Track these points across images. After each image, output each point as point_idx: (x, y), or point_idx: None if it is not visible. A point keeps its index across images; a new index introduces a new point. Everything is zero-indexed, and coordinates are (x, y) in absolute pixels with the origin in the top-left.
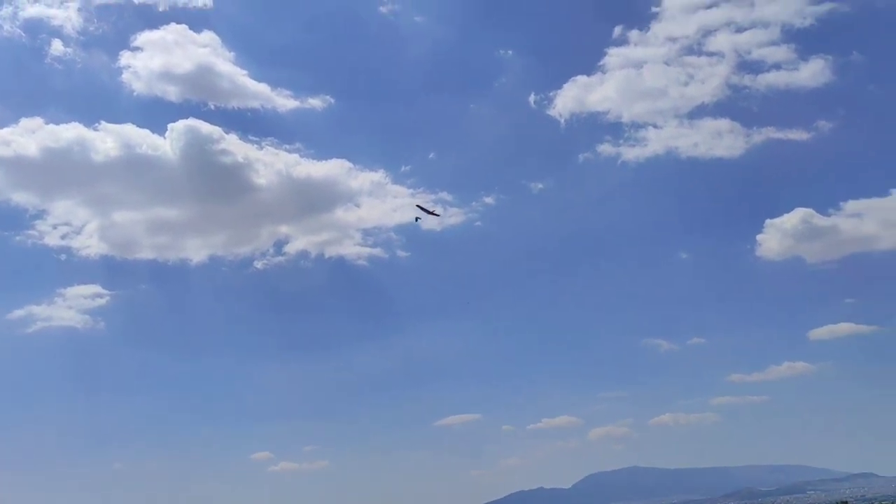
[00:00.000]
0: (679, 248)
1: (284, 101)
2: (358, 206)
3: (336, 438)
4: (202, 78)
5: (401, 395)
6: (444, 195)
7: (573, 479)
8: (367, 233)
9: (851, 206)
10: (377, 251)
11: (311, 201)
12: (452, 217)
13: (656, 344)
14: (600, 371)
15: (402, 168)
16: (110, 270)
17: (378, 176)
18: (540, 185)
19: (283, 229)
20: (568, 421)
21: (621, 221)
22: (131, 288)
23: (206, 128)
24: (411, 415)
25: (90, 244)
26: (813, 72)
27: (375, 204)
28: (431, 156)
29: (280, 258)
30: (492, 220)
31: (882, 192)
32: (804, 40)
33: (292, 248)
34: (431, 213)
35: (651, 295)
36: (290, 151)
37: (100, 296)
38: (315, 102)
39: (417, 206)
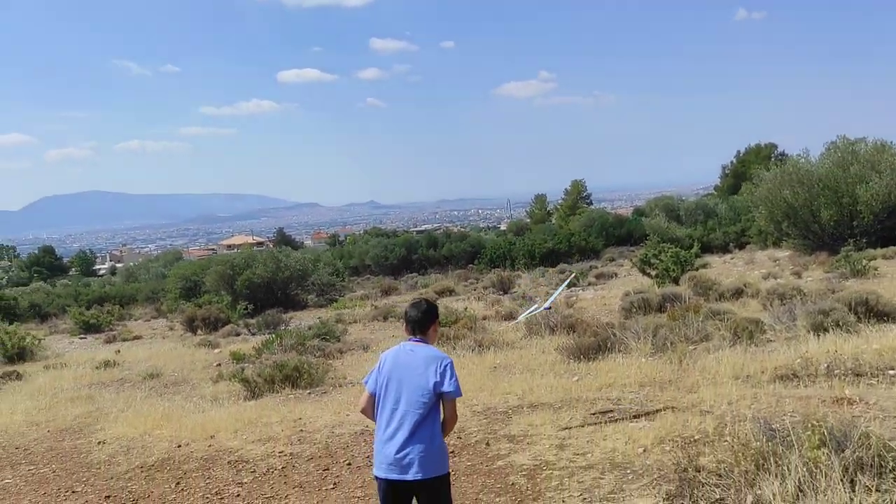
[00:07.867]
0: None
1: None
2: None
3: None
4: None
5: None
6: None
7: (24, 201)
8: None
9: None
10: None
11: None
12: None
13: (127, 66)
14: (62, 89)
15: None
16: None
17: None
18: None
19: None
20: (20, 139)
21: None
22: None
23: None
24: None
25: None
26: None
27: None
28: None
29: None
30: None
31: None
32: None
33: None
34: None
35: (122, 12)
36: None
37: None
38: None
39: None
